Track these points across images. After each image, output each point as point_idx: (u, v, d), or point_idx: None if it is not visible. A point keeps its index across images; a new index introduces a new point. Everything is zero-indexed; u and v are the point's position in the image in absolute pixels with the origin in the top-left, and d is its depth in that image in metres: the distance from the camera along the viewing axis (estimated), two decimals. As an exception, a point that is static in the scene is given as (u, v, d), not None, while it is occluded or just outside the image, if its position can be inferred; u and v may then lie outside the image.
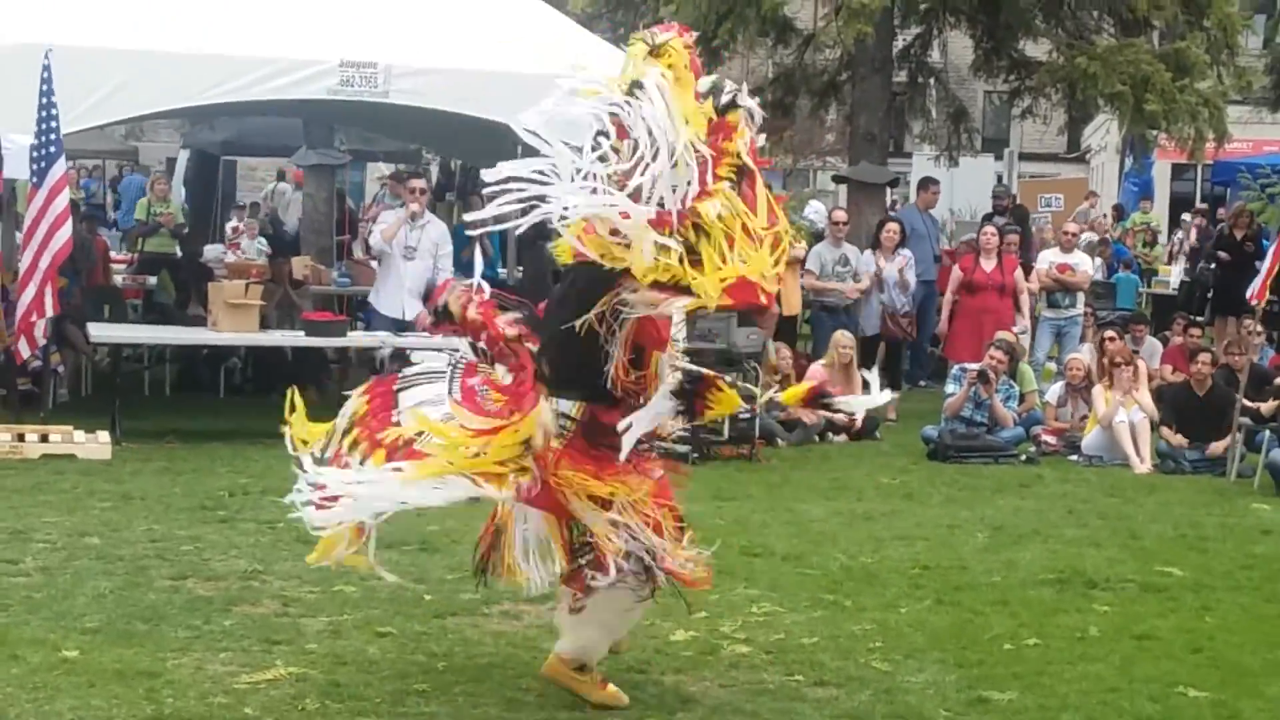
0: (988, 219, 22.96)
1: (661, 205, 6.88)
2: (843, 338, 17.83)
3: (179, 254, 23.13)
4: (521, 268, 20.26)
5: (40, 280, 14.44)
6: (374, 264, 18.64)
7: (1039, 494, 14.54)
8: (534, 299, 16.19)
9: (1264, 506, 14.26)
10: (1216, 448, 16.18)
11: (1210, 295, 25.05)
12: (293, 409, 8.16)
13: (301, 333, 16.33)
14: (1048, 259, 20.78)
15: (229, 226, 29.50)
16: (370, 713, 7.31)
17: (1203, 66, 23.59)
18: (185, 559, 10.29)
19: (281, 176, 36.25)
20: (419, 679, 7.86)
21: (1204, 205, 33.42)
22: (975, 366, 17.00)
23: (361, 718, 7.24)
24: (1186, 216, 32.87)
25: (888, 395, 7.69)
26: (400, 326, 16.41)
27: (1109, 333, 18.05)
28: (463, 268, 20.10)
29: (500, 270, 21.48)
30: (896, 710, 7.72)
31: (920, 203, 22.85)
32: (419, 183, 17.47)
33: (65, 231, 14.44)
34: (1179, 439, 16.31)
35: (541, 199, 7.23)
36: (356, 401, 8.14)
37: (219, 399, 18.64)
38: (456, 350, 8.05)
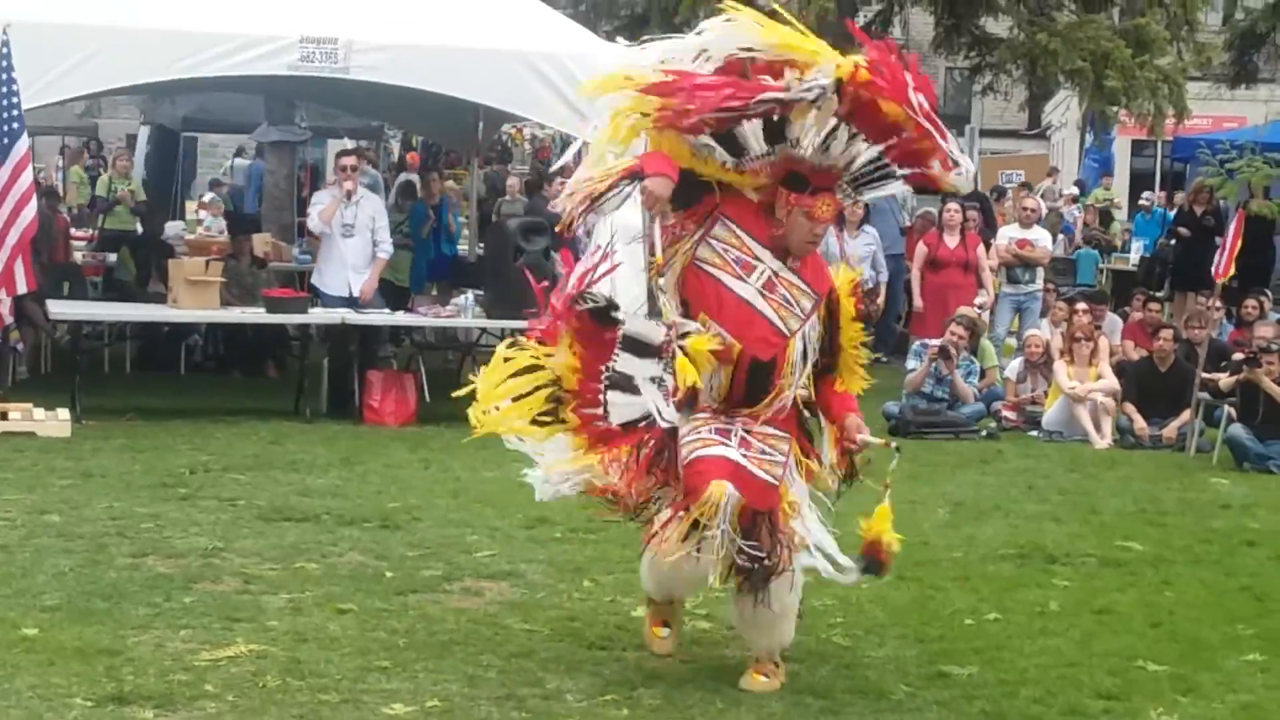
0: (949, 196, 22.97)
1: None
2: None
3: (139, 231, 23.04)
4: (483, 245, 20.21)
5: (8, 257, 14.33)
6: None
7: (1000, 469, 14.58)
8: (496, 276, 16.31)
9: (1223, 481, 14.33)
10: (1170, 432, 16.24)
11: (1170, 271, 25.12)
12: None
13: (262, 309, 16.29)
14: (1007, 235, 20.82)
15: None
16: (331, 690, 7.29)
17: (1162, 43, 23.68)
18: (145, 536, 10.25)
19: (240, 153, 36.09)
20: (380, 656, 7.85)
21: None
22: (936, 342, 17.04)
23: (322, 695, 7.22)
24: (1148, 195, 32.95)
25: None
26: (347, 304, 16.40)
27: (1081, 305, 18.08)
28: (420, 245, 20.12)
29: (461, 248, 21.49)
30: (857, 685, 7.73)
31: (882, 179, 22.87)
32: (349, 160, 17.42)
33: (31, 209, 14.35)
34: (1140, 422, 16.36)
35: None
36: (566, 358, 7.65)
37: (179, 376, 18.59)
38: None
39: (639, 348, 7.40)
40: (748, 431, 7.47)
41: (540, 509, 11.43)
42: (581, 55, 15.84)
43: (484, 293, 16.53)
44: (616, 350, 7.41)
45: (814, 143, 7.43)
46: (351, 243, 16.64)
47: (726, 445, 7.38)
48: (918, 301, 19.74)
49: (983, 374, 17.52)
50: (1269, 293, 20.92)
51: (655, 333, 7.43)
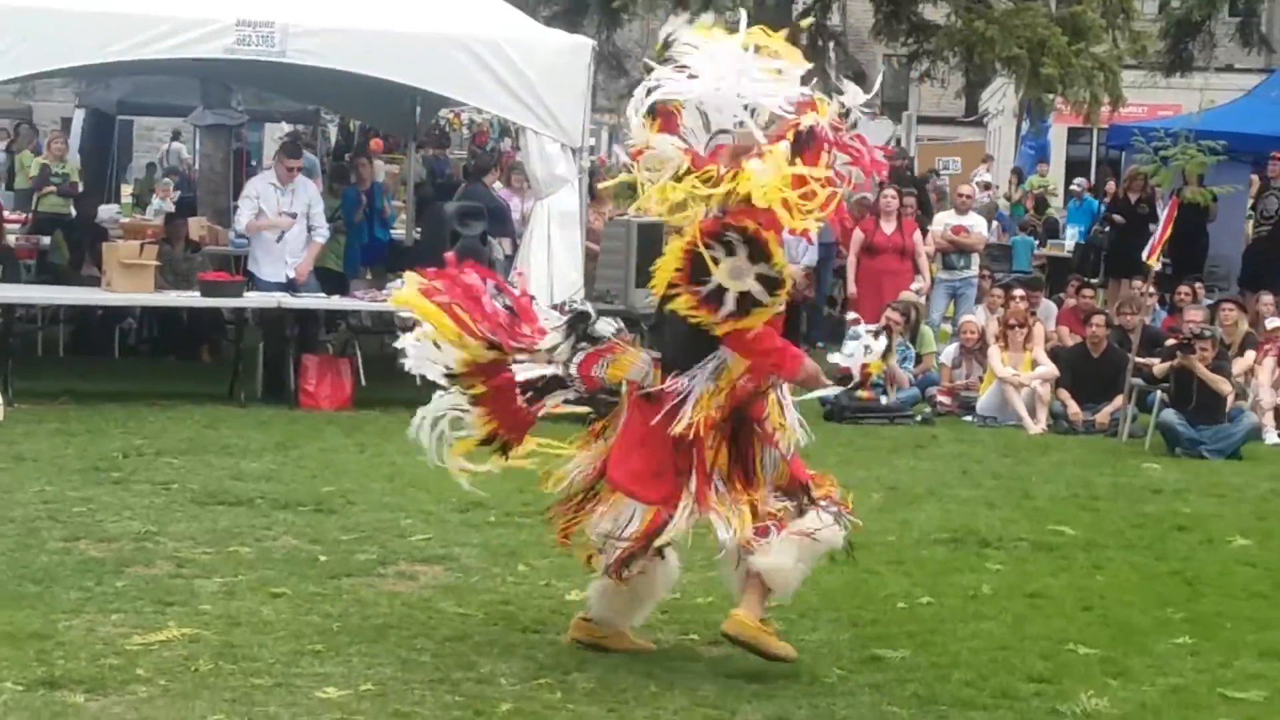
0: (886, 182, 23.00)
1: None
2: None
3: (73, 214, 22.90)
4: (420, 228, 20.17)
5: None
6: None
7: (934, 454, 14.63)
8: (432, 259, 16.22)
9: (1155, 466, 14.41)
10: (1103, 417, 16.34)
11: (1104, 257, 25.22)
12: None
13: (197, 293, 16.22)
14: (943, 221, 20.88)
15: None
16: (264, 674, 7.28)
17: (1098, 30, 23.79)
18: (78, 520, 10.21)
19: (176, 136, 35.92)
20: (313, 640, 7.84)
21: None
22: (872, 328, 17.05)
23: (255, 679, 7.20)
24: (1079, 181, 33.07)
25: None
26: (285, 289, 16.35)
27: (1017, 291, 18.15)
28: (354, 230, 20.04)
29: (395, 231, 21.42)
30: (790, 669, 7.74)
31: (815, 164, 22.85)
32: (295, 163, 17.34)
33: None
34: (1074, 408, 16.45)
35: None
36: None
37: (113, 360, 18.49)
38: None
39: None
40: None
41: (474, 493, 11.45)
42: (519, 40, 15.85)
43: (420, 277, 16.48)
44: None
45: None
46: (289, 231, 16.62)
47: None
48: (852, 287, 19.78)
49: (918, 359, 17.59)
50: (1202, 279, 21.03)
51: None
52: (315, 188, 17.27)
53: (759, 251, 7.32)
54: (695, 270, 7.45)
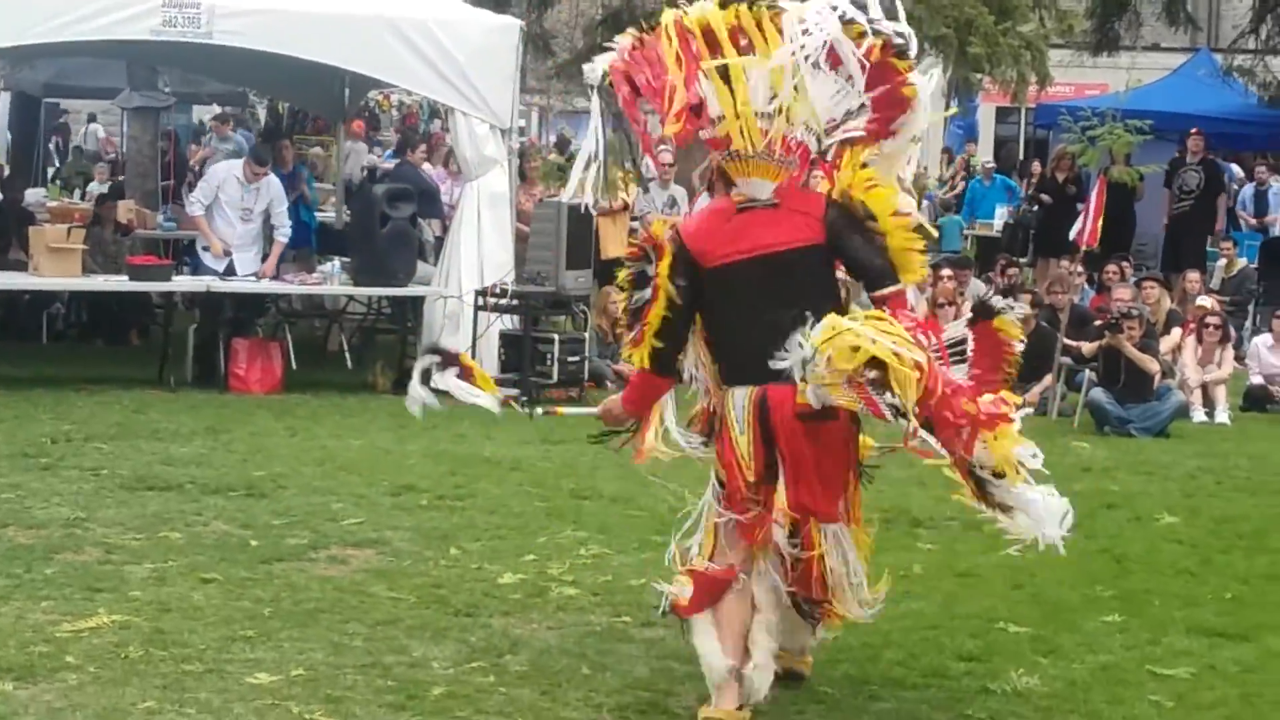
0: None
1: None
2: (671, 281, 17.84)
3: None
4: (350, 212, 20.09)
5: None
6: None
7: (867, 433, 14.61)
8: (363, 243, 16.21)
9: (1084, 445, 14.49)
10: (1032, 396, 16.41)
11: (1033, 237, 25.34)
12: None
13: (125, 277, 16.12)
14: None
15: None
16: (195, 659, 7.25)
17: (1025, 10, 23.82)
18: (6, 507, 10.14)
19: (92, 119, 35.66)
20: (244, 625, 7.81)
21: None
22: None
23: (186, 665, 7.18)
24: (987, 161, 33.20)
25: None
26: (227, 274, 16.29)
27: (945, 271, 18.20)
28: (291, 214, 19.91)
29: (326, 215, 21.32)
30: (723, 650, 7.76)
31: (743, 145, 22.85)
32: (262, 170, 17.15)
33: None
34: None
35: None
36: None
37: (41, 345, 18.37)
38: None
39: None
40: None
41: (406, 476, 11.48)
42: (448, 21, 15.80)
43: (350, 260, 16.45)
44: None
45: None
46: (247, 226, 16.50)
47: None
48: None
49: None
50: (1130, 258, 21.15)
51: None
52: (280, 187, 17.15)
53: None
54: None
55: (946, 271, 18.13)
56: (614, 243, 20.22)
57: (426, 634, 7.82)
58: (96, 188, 24.93)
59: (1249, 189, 27.55)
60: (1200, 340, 17.04)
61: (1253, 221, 26.57)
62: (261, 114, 35.61)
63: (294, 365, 16.17)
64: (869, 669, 7.57)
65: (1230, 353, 17.13)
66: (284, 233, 16.71)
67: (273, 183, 16.94)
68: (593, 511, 10.73)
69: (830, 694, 7.29)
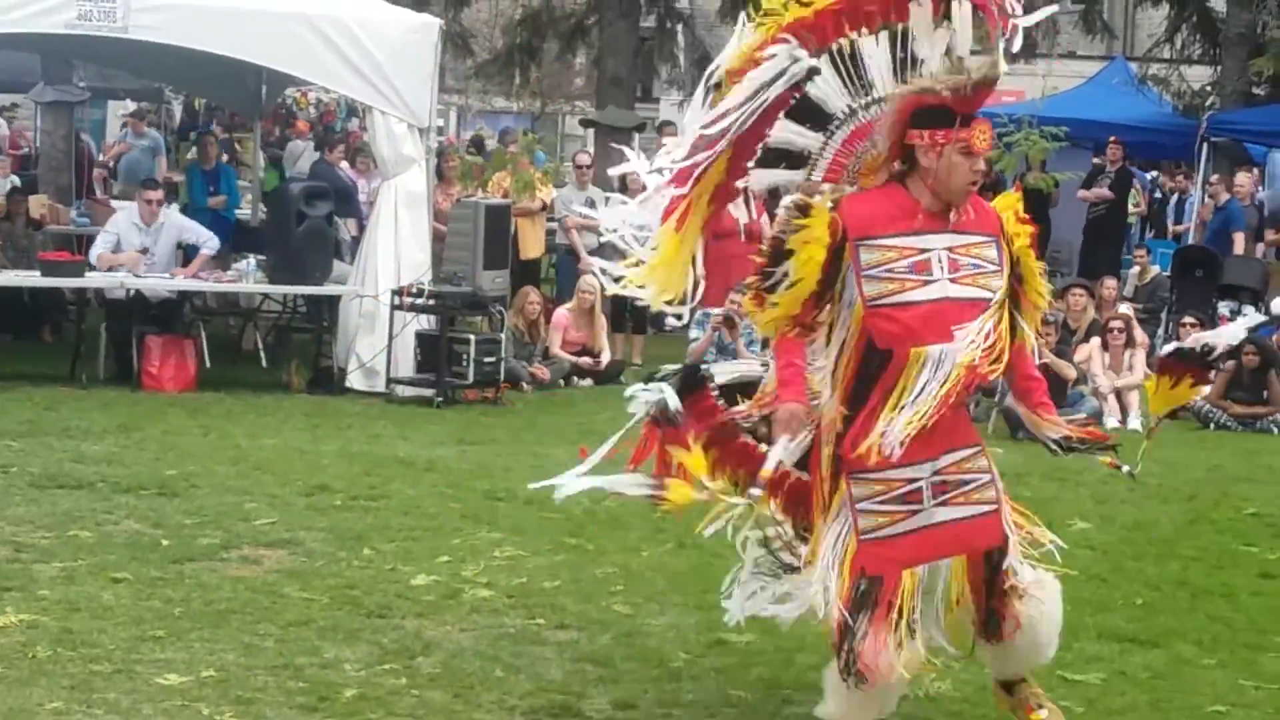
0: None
1: None
2: (587, 282, 17.88)
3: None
4: (265, 210, 19.99)
5: None
6: (113, 203, 18.29)
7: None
8: (279, 241, 16.11)
9: (997, 450, 14.42)
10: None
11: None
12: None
13: (37, 273, 15.98)
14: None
15: None
16: (104, 660, 7.19)
17: (943, 17, 23.92)
18: (-87, 504, 10.05)
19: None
20: (154, 625, 7.75)
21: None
22: (720, 311, 17.12)
23: (94, 665, 7.11)
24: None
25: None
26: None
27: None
28: (198, 211, 19.78)
29: (238, 212, 21.20)
30: (637, 653, 7.77)
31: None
32: (155, 195, 16.97)
33: None
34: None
35: None
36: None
37: (-49, 341, 18.20)
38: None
39: (742, 394, 7.03)
40: (934, 473, 6.46)
41: (320, 476, 11.43)
42: (366, 19, 15.73)
43: (266, 258, 16.35)
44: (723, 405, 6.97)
45: (940, 61, 6.41)
46: (151, 269, 16.25)
47: (919, 508, 6.42)
48: (700, 270, 19.76)
49: (766, 343, 17.61)
50: (1046, 265, 21.24)
51: (752, 369, 7.23)
52: (180, 217, 17.03)
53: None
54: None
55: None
56: (533, 243, 20.23)
57: (339, 635, 7.78)
58: (3, 183, 24.69)
59: (1175, 198, 27.77)
60: (1106, 346, 17.14)
61: (1177, 229, 26.76)
62: (177, 110, 35.36)
63: (208, 363, 16.07)
64: (782, 673, 7.58)
65: (1141, 358, 17.23)
66: (211, 246, 16.52)
67: (171, 219, 16.76)
68: (507, 513, 10.70)
69: (744, 697, 7.29)
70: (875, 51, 6.44)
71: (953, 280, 6.32)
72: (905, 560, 6.37)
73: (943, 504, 6.44)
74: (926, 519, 6.41)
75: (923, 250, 6.30)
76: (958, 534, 6.47)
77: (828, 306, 6.39)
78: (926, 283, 6.28)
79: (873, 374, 6.37)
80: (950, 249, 6.34)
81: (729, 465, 6.93)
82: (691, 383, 6.95)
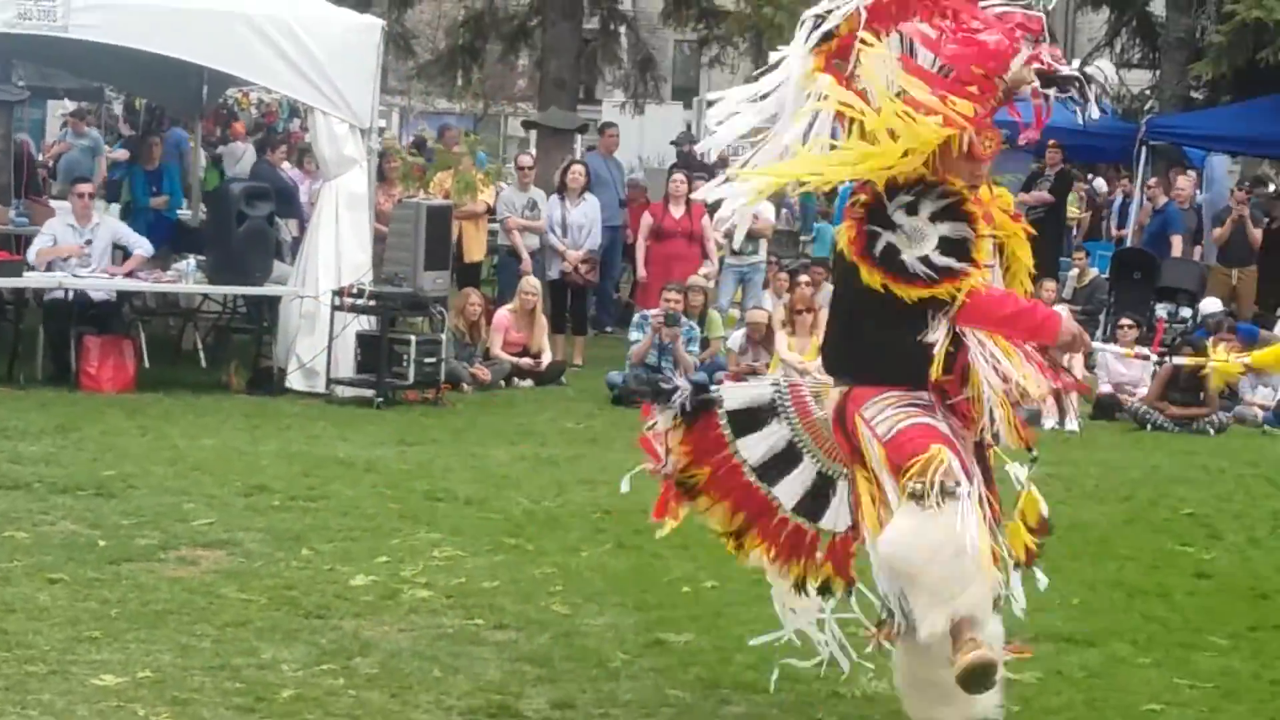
0: (675, 167, 23.11)
1: None
2: (528, 283, 17.89)
3: None
4: (206, 209, 19.91)
5: None
6: (52, 203, 18.16)
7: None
8: (219, 241, 16.04)
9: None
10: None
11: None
12: None
13: (-25, 272, 15.90)
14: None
15: None
16: (39, 661, 7.15)
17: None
18: None
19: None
20: (90, 626, 7.71)
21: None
22: (658, 311, 17.15)
23: (30, 666, 7.08)
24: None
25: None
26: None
27: (803, 277, 18.32)
28: (139, 209, 19.69)
29: (181, 212, 21.09)
30: (575, 653, 7.77)
31: (601, 148, 22.90)
32: (86, 188, 16.85)
33: None
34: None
35: None
36: (678, 454, 7.06)
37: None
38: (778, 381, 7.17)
39: (750, 422, 6.96)
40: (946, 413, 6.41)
41: (259, 476, 11.40)
42: (308, 19, 15.70)
43: (206, 258, 16.29)
44: (730, 441, 6.98)
45: None
46: (88, 269, 16.16)
47: (934, 417, 6.35)
48: (641, 272, 19.80)
49: (706, 344, 17.68)
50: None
51: (761, 393, 7.04)
52: (116, 221, 16.96)
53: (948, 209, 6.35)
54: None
55: (804, 278, 18.25)
56: (477, 247, 20.21)
57: (276, 636, 7.76)
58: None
59: (1118, 201, 27.89)
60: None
61: (1121, 233, 26.89)
62: (118, 109, 35.21)
63: (147, 364, 16.00)
64: (720, 672, 7.59)
65: (1080, 360, 17.30)
66: (145, 249, 16.44)
67: (107, 221, 16.68)
68: (446, 513, 10.70)
69: (682, 697, 7.30)
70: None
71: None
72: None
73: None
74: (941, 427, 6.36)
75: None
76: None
77: None
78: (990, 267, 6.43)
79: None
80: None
81: (730, 503, 7.09)
82: (701, 406, 7.00)
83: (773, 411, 6.94)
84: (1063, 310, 6.55)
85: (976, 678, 6.12)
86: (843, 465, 6.79)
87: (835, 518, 6.95)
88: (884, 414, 6.36)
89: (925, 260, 6.24)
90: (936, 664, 6.41)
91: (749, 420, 6.98)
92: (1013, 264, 6.71)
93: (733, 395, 7.08)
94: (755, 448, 6.96)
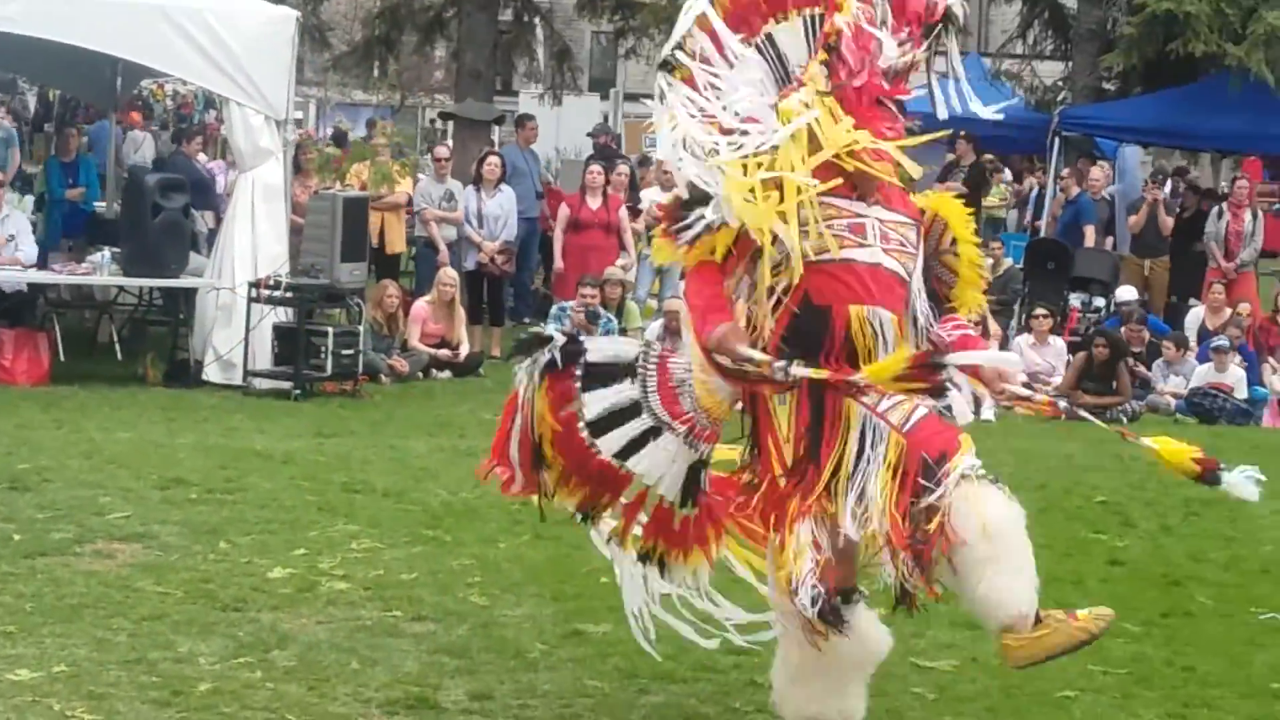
0: (592, 158, 23.12)
1: None
2: (446, 274, 17.86)
3: None
4: (121, 201, 19.80)
5: None
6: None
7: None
8: (134, 233, 15.95)
9: (854, 441, 14.64)
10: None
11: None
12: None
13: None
14: (649, 198, 20.99)
15: None
16: (-47, 657, 7.13)
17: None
18: None
19: None
20: (5, 621, 7.68)
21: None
22: (577, 304, 17.18)
23: (-56, 662, 7.06)
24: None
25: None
26: None
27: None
28: (54, 201, 19.56)
29: (99, 204, 20.98)
30: (493, 644, 7.79)
31: (520, 140, 22.89)
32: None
33: None
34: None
35: None
36: (538, 400, 6.83)
37: None
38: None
39: (604, 377, 6.75)
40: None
41: (175, 469, 11.35)
42: (223, 11, 15.62)
43: (121, 250, 16.19)
44: (580, 392, 6.74)
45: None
46: None
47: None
48: (559, 263, 19.81)
49: (623, 334, 17.70)
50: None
51: (626, 351, 6.88)
52: (24, 221, 16.86)
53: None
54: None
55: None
56: (398, 237, 20.18)
57: (193, 629, 7.74)
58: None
59: (1034, 192, 28.04)
60: (979, 335, 17.35)
61: (1037, 224, 27.04)
62: (31, 101, 34.93)
63: (62, 357, 15.90)
64: (638, 662, 7.60)
65: (995, 349, 17.43)
66: (27, 256, 16.35)
67: (14, 216, 16.59)
68: (364, 505, 10.69)
69: (600, 687, 7.33)
70: (792, 38, 6.47)
71: (885, 250, 6.35)
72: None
73: None
74: None
75: (859, 215, 6.33)
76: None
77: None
78: (862, 245, 6.29)
79: (804, 329, 6.32)
80: (882, 221, 6.38)
81: (588, 487, 6.93)
82: (570, 352, 6.81)
83: (630, 371, 6.77)
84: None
85: None
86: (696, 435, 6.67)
87: (649, 465, 6.73)
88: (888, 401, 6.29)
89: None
90: (830, 658, 6.46)
91: (603, 375, 6.79)
92: (964, 275, 6.72)
93: (597, 347, 6.94)
94: (597, 404, 6.77)
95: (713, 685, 7.41)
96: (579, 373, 6.77)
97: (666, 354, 6.86)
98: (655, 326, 18.01)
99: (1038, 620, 6.29)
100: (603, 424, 6.72)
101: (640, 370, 6.74)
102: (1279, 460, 14.65)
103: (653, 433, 6.68)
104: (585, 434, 6.74)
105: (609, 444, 6.70)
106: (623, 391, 6.73)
